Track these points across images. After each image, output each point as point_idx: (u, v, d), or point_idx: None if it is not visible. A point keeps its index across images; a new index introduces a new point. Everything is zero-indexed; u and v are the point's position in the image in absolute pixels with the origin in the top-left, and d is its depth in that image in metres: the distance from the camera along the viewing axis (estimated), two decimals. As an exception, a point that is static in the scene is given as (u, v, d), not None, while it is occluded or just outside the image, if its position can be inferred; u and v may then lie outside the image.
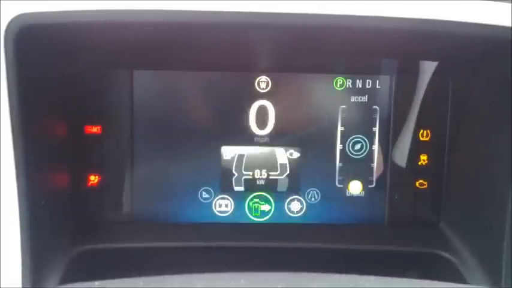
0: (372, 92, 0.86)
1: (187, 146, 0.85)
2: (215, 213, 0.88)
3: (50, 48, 0.69)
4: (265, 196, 0.88)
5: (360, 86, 0.85)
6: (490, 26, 0.63)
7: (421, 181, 0.88)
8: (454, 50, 0.76)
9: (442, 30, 0.65)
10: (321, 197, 0.88)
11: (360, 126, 0.86)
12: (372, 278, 0.64)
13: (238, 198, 0.88)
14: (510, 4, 0.64)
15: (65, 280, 0.71)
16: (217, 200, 0.88)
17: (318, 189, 0.88)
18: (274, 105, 0.85)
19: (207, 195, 0.87)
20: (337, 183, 0.88)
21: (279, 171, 0.87)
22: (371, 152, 0.87)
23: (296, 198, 0.88)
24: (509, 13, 0.64)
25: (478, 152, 0.79)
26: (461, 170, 0.83)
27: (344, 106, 0.86)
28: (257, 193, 0.88)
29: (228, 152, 0.86)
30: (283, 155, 0.87)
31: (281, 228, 0.88)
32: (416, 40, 0.71)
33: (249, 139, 0.86)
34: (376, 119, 0.86)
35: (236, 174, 0.87)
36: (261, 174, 0.87)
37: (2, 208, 0.64)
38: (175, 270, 0.64)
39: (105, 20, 0.62)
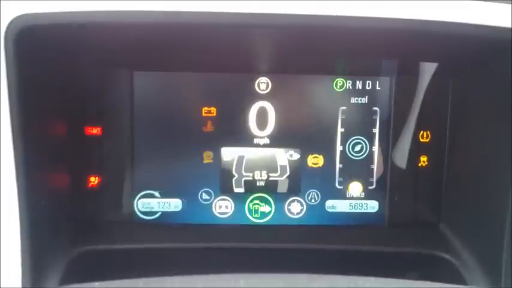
0: (372, 93, 0.86)
1: (187, 147, 0.85)
2: (215, 215, 0.88)
3: (50, 49, 0.69)
4: (265, 197, 0.88)
5: (360, 87, 0.85)
6: (490, 27, 0.64)
7: (421, 182, 0.88)
8: (454, 51, 0.77)
9: (442, 31, 0.65)
10: (321, 198, 0.88)
11: (360, 127, 0.86)
12: (372, 279, 0.64)
13: (238, 199, 0.88)
14: (510, 5, 0.64)
15: (64, 280, 0.71)
16: (217, 201, 0.88)
17: (318, 190, 0.88)
18: (274, 106, 0.85)
19: (207, 197, 0.87)
20: (337, 185, 0.88)
21: (279, 173, 0.87)
22: (371, 153, 0.87)
23: (296, 199, 0.88)
24: (509, 14, 0.64)
25: (478, 153, 0.79)
26: (461, 171, 0.83)
27: (344, 107, 0.86)
28: (257, 194, 0.88)
29: (228, 153, 0.86)
30: (283, 157, 0.87)
31: (281, 229, 0.88)
32: (416, 41, 0.72)
33: (249, 140, 0.86)
34: (376, 120, 0.86)
35: (236, 175, 0.87)
36: (261, 176, 0.87)
37: (2, 208, 0.64)
38: (175, 271, 0.65)
39: (105, 21, 0.62)
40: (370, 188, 0.88)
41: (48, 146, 0.73)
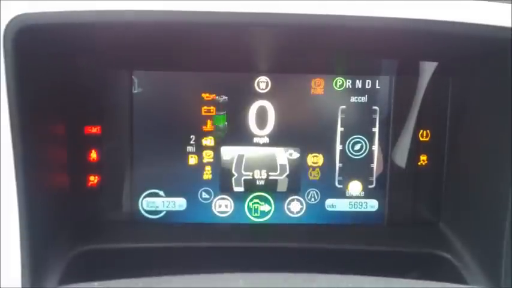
0: (371, 93, 0.86)
1: (187, 146, 0.85)
2: (215, 214, 0.88)
3: (50, 49, 0.69)
4: (265, 196, 0.88)
5: (360, 87, 0.85)
6: (490, 26, 0.63)
7: (420, 181, 0.88)
8: (454, 51, 0.77)
9: (442, 31, 0.65)
10: (321, 197, 0.88)
11: (360, 126, 0.86)
12: (372, 278, 0.64)
13: (238, 198, 0.88)
14: (510, 4, 0.64)
15: (64, 280, 0.71)
16: (217, 200, 0.88)
17: (317, 189, 0.88)
18: (274, 105, 0.85)
19: (206, 196, 0.87)
20: (336, 184, 0.88)
21: (278, 172, 0.87)
22: (371, 152, 0.87)
23: (296, 198, 0.88)
24: (509, 13, 0.64)
25: (477, 152, 0.79)
26: (461, 170, 0.83)
27: (344, 106, 0.86)
28: (257, 193, 0.88)
29: (228, 152, 0.86)
30: (283, 156, 0.87)
31: (281, 228, 0.88)
32: (416, 40, 0.71)
33: (248, 139, 0.86)
34: (375, 119, 0.86)
35: (236, 174, 0.87)
36: (260, 175, 0.87)
37: (1, 208, 0.64)
38: (175, 270, 0.65)
39: (105, 20, 0.62)
40: (369, 187, 0.88)
41: (47, 145, 0.73)
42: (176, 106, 0.84)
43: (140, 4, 0.61)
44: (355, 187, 0.88)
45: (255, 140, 0.86)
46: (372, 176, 0.88)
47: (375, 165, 0.88)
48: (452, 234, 0.85)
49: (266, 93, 0.85)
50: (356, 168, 0.88)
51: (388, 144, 0.87)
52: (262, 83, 0.85)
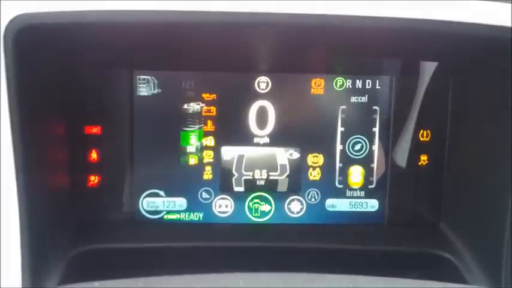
0: (371, 93, 0.86)
1: (187, 146, 0.85)
2: (215, 214, 0.88)
3: (50, 49, 0.69)
4: (265, 196, 0.88)
5: (360, 87, 0.85)
6: (490, 26, 0.63)
7: (421, 181, 0.88)
8: (454, 50, 0.77)
9: (442, 31, 0.65)
10: (321, 197, 0.88)
11: (360, 126, 0.86)
12: (372, 278, 0.64)
13: (238, 198, 0.88)
14: (510, 4, 0.64)
15: (64, 280, 0.71)
16: (217, 200, 0.88)
17: (318, 189, 0.88)
18: (274, 105, 0.85)
19: (207, 196, 0.87)
20: (337, 184, 0.88)
21: (279, 172, 0.87)
22: (371, 152, 0.87)
23: (296, 198, 0.88)
24: (509, 13, 0.64)
25: (478, 153, 0.79)
26: (461, 171, 0.83)
27: (344, 106, 0.86)
28: (257, 193, 0.88)
29: (228, 152, 0.86)
30: (283, 156, 0.87)
31: (281, 228, 0.88)
32: (416, 40, 0.71)
33: (248, 139, 0.86)
34: (376, 119, 0.86)
35: (236, 174, 0.87)
36: (261, 175, 0.87)
37: (1, 208, 0.64)
38: (175, 270, 0.65)
39: (105, 20, 0.62)
40: (370, 187, 0.88)
41: (47, 145, 0.73)
42: (176, 106, 0.84)
43: (141, 4, 0.61)
44: (355, 187, 0.88)
45: (255, 140, 0.86)
46: (372, 176, 0.88)
47: (375, 165, 0.88)
48: (453, 234, 0.85)
49: (266, 93, 0.85)
50: (356, 168, 0.87)
51: (388, 144, 0.87)
52: (263, 83, 0.84)
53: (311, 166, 0.87)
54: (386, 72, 0.85)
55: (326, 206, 0.89)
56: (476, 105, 0.79)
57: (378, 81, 0.85)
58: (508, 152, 0.69)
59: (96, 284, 0.63)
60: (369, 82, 0.85)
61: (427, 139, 0.87)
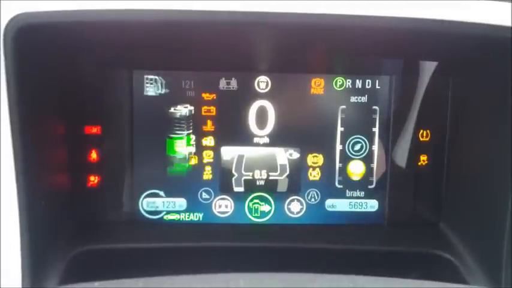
0: (371, 92, 0.86)
1: (187, 146, 0.85)
2: (215, 214, 0.88)
3: (50, 48, 0.69)
4: (265, 197, 0.88)
5: (360, 86, 0.85)
6: (490, 25, 0.63)
7: (421, 181, 0.88)
8: (454, 50, 0.77)
9: (442, 30, 0.65)
10: (321, 197, 0.88)
11: (360, 126, 0.86)
12: (372, 278, 0.64)
13: (238, 198, 0.88)
14: (510, 3, 0.64)
15: (64, 280, 0.71)
16: (217, 200, 0.88)
17: (317, 189, 0.88)
18: (274, 105, 0.85)
19: (207, 196, 0.87)
20: (337, 184, 0.88)
21: (278, 172, 0.87)
22: (371, 152, 0.87)
23: (296, 198, 0.88)
24: (509, 13, 0.64)
25: (477, 152, 0.79)
26: (461, 170, 0.83)
27: (344, 106, 0.86)
28: (257, 194, 0.88)
29: (228, 152, 0.86)
30: (283, 156, 0.87)
31: (281, 228, 0.88)
32: (416, 40, 0.71)
33: (248, 139, 0.86)
34: (376, 119, 0.86)
35: (236, 174, 0.87)
36: (260, 175, 0.87)
37: (2, 208, 0.64)
38: (175, 270, 0.64)
39: (105, 19, 0.62)
40: (369, 187, 0.88)
41: (47, 145, 0.73)
42: (176, 106, 0.84)
43: (140, 3, 0.61)
44: (355, 187, 0.88)
45: (255, 140, 0.86)
46: (372, 176, 0.88)
47: (375, 165, 0.88)
48: (453, 235, 0.85)
49: (266, 93, 0.85)
50: (356, 168, 0.87)
51: (388, 144, 0.87)
52: (262, 82, 0.84)
53: (311, 166, 0.87)
54: (386, 72, 0.85)
55: (326, 206, 0.88)
56: (476, 105, 0.79)
57: (377, 81, 0.85)
58: (508, 151, 0.69)
59: (96, 284, 0.62)
60: (368, 82, 0.85)
61: (427, 139, 0.87)
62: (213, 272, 0.64)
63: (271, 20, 0.63)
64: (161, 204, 0.87)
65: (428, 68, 0.84)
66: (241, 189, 0.87)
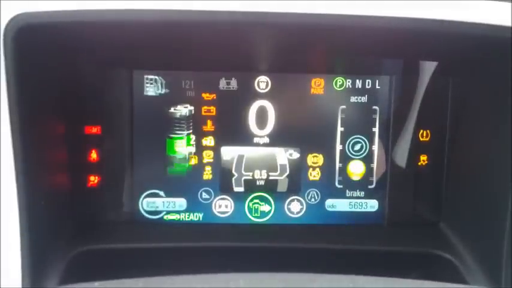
0: (371, 92, 0.86)
1: (187, 146, 0.85)
2: (215, 214, 0.88)
3: (50, 48, 0.69)
4: (265, 197, 0.88)
5: (360, 86, 0.85)
6: (490, 25, 0.63)
7: (421, 181, 0.88)
8: (454, 50, 0.77)
9: (442, 30, 0.65)
10: (321, 197, 0.88)
11: (360, 126, 0.86)
12: (372, 278, 0.64)
13: (238, 198, 0.88)
14: (510, 3, 0.64)
15: (64, 280, 0.71)
16: (217, 200, 0.88)
17: (317, 189, 0.88)
18: (274, 105, 0.85)
19: (207, 196, 0.87)
20: (337, 184, 0.88)
21: (278, 172, 0.87)
22: (371, 152, 0.87)
23: (296, 198, 0.88)
24: (509, 13, 0.64)
25: (478, 152, 0.79)
26: (461, 170, 0.83)
27: (344, 106, 0.86)
28: (257, 194, 0.88)
29: (228, 152, 0.86)
30: (283, 156, 0.87)
31: (281, 228, 0.88)
32: (416, 40, 0.71)
33: (248, 139, 0.86)
34: (375, 119, 0.86)
35: (236, 174, 0.87)
36: (260, 175, 0.87)
37: (2, 208, 0.64)
38: (175, 270, 0.64)
39: (105, 19, 0.62)
40: (369, 187, 0.88)
41: (47, 145, 0.73)
42: (176, 106, 0.84)
43: (140, 3, 0.61)
44: (355, 187, 0.88)
45: (255, 140, 0.86)
46: (372, 176, 0.88)
47: (375, 165, 0.88)
48: (453, 235, 0.85)
49: (266, 93, 0.85)
50: (356, 168, 0.87)
51: (388, 144, 0.87)
52: (262, 82, 0.84)
53: (311, 166, 0.87)
54: (386, 72, 0.85)
55: (326, 206, 0.88)
56: (476, 105, 0.79)
57: (377, 81, 0.85)
58: (508, 151, 0.69)
59: (96, 284, 0.62)
60: (368, 82, 0.85)
61: (427, 139, 0.87)
62: (213, 272, 0.64)
63: (271, 20, 0.63)
64: (161, 204, 0.87)
65: (428, 68, 0.84)
66: (241, 189, 0.87)
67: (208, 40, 0.74)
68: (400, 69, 0.85)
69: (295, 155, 0.87)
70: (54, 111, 0.76)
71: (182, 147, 0.85)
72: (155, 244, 0.82)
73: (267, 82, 0.84)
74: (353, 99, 0.86)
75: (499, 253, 0.70)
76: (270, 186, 0.87)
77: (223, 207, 0.88)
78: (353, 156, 0.87)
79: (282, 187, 0.87)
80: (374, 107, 0.86)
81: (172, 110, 0.84)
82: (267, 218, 0.88)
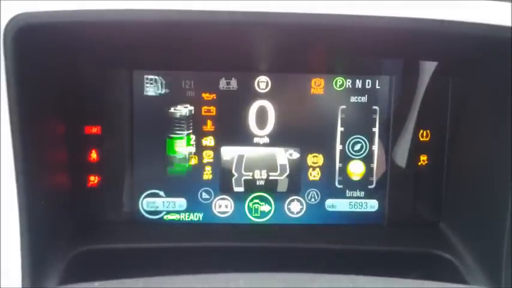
0: (371, 92, 0.86)
1: (187, 146, 0.85)
2: (215, 214, 0.88)
3: (50, 48, 0.69)
4: (265, 197, 0.88)
5: (360, 86, 0.85)
6: (490, 25, 0.63)
7: (421, 181, 0.88)
8: (454, 50, 0.77)
9: (442, 30, 0.65)
10: (321, 197, 0.88)
11: (360, 126, 0.86)
12: (372, 278, 0.64)
13: (238, 198, 0.88)
14: (510, 3, 0.64)
15: (64, 280, 0.71)
16: (217, 200, 0.88)
17: (317, 189, 0.88)
18: (274, 105, 0.85)
19: (207, 196, 0.87)
20: (337, 184, 0.88)
21: (278, 172, 0.87)
22: (371, 152, 0.87)
23: (296, 198, 0.88)
24: (509, 12, 0.64)
25: (478, 152, 0.79)
26: (461, 170, 0.83)
27: (344, 106, 0.86)
28: (257, 194, 0.88)
29: (228, 152, 0.86)
30: (283, 156, 0.87)
31: (281, 228, 0.88)
32: (416, 40, 0.71)
33: (248, 139, 0.86)
34: (376, 119, 0.86)
35: (236, 174, 0.87)
36: (260, 175, 0.87)
37: (2, 209, 0.64)
38: (175, 270, 0.65)
39: (105, 19, 0.62)
40: (370, 187, 0.88)
41: (47, 145, 0.73)
42: (176, 106, 0.84)
43: (140, 3, 0.61)
44: (355, 187, 0.88)
45: (255, 140, 0.86)
46: (372, 176, 0.88)
47: (375, 165, 0.88)
48: (453, 235, 0.85)
49: (266, 93, 0.85)
50: (356, 168, 0.87)
51: (388, 144, 0.87)
52: (262, 82, 0.84)
53: (311, 166, 0.87)
54: (386, 72, 0.85)
55: (326, 206, 0.89)
56: (476, 105, 0.79)
57: (377, 81, 0.85)
58: (508, 151, 0.69)
59: (96, 284, 0.62)
60: (368, 82, 0.85)
61: (427, 139, 0.87)
62: (213, 271, 0.64)
63: (271, 20, 0.63)
64: (161, 204, 0.87)
65: (428, 68, 0.84)
66: (241, 189, 0.87)
67: (208, 40, 0.74)
68: (400, 69, 0.85)
69: (295, 154, 0.87)
70: (54, 111, 0.76)
71: (182, 147, 0.85)
72: (155, 244, 0.82)
73: (267, 82, 0.84)
74: (353, 99, 0.86)
75: (499, 253, 0.70)
76: (270, 186, 0.87)
77: (223, 207, 0.88)
78: (353, 156, 0.87)
79: (282, 187, 0.87)
80: (374, 107, 0.86)
81: (172, 110, 0.84)
82: (267, 218, 0.88)
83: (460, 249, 0.81)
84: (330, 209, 0.89)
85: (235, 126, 0.85)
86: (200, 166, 0.86)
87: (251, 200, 0.88)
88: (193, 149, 0.86)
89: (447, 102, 0.85)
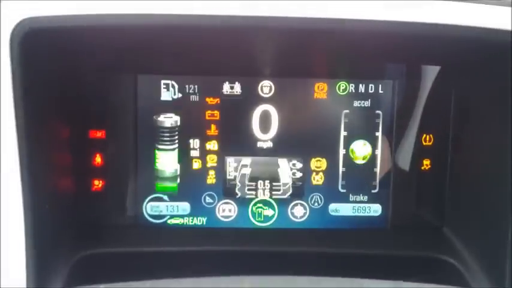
0: (374, 97, 0.86)
1: (191, 150, 0.85)
2: (219, 218, 0.88)
3: (55, 53, 0.69)
4: (269, 201, 0.88)
5: (363, 91, 0.86)
6: (490, 29, 0.64)
7: (424, 185, 0.87)
8: (456, 54, 0.77)
9: (445, 35, 0.65)
10: (324, 202, 0.88)
11: (363, 130, 0.86)
12: (376, 281, 0.64)
13: (242, 203, 0.88)
14: (510, 8, 0.65)
15: (68, 284, 0.71)
16: (221, 204, 0.88)
17: (321, 194, 0.88)
18: (278, 109, 0.85)
19: (210, 200, 0.87)
20: (340, 188, 0.88)
21: (281, 189, 0.87)
22: (374, 156, 0.87)
23: (299, 203, 0.88)
24: (510, 17, 0.64)
25: (481, 157, 0.79)
26: (465, 175, 0.83)
27: (347, 111, 0.86)
28: (260, 198, 0.88)
29: (232, 158, 0.86)
30: (286, 160, 0.87)
31: (284, 233, 0.87)
32: (418, 44, 0.72)
33: (252, 143, 0.86)
34: (379, 123, 0.86)
35: (239, 185, 0.87)
36: (264, 185, 0.87)
37: (6, 211, 0.64)
38: (179, 274, 0.65)
39: (110, 24, 0.62)
40: (373, 191, 0.88)
41: (52, 149, 0.74)
42: (180, 110, 0.84)
43: (145, 8, 0.62)
44: (358, 191, 0.88)
45: (259, 144, 0.86)
46: (375, 180, 0.88)
47: (378, 169, 0.88)
48: (456, 239, 0.85)
49: (270, 97, 0.85)
50: (359, 172, 0.88)
51: (391, 149, 0.87)
52: (266, 87, 0.85)
53: (314, 170, 0.87)
54: (389, 77, 0.85)
55: (329, 211, 0.88)
56: (479, 109, 0.79)
57: (380, 85, 0.85)
58: (510, 155, 0.69)
59: (101, 286, 0.63)
60: (371, 86, 0.85)
61: (430, 143, 0.87)
62: (217, 275, 0.64)
63: (273, 25, 0.63)
64: (165, 209, 0.87)
65: (431, 72, 0.84)
66: (244, 195, 0.87)
67: (212, 44, 0.74)
68: (402, 74, 0.85)
69: (298, 165, 0.86)
70: (59, 116, 0.77)
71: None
72: (159, 248, 0.82)
73: (271, 87, 0.85)
74: (356, 103, 0.86)
75: (503, 258, 0.70)
76: (273, 190, 0.87)
77: (226, 211, 0.88)
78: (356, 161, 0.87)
79: (285, 192, 0.88)
80: (377, 111, 0.86)
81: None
82: (271, 222, 0.88)
83: (464, 253, 0.81)
84: (333, 214, 0.89)
85: (239, 131, 0.85)
86: (204, 170, 0.86)
87: (254, 205, 0.88)
88: (197, 153, 0.86)
89: (450, 106, 0.85)
